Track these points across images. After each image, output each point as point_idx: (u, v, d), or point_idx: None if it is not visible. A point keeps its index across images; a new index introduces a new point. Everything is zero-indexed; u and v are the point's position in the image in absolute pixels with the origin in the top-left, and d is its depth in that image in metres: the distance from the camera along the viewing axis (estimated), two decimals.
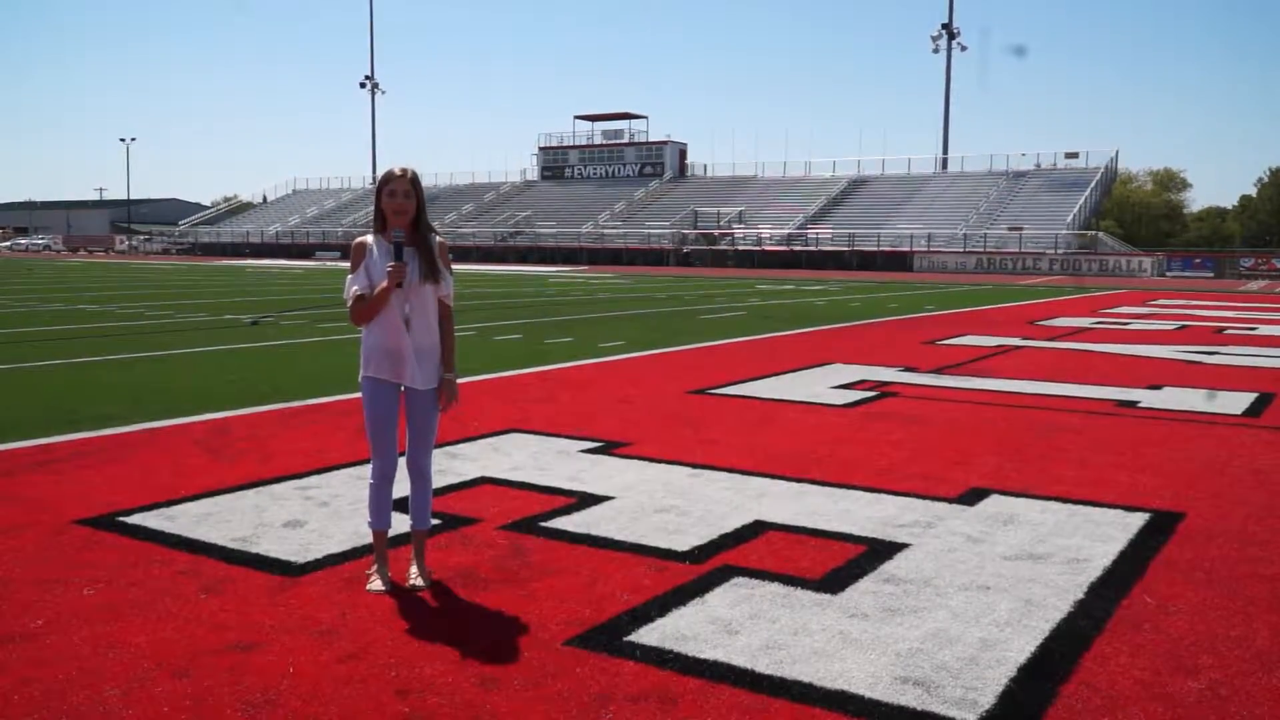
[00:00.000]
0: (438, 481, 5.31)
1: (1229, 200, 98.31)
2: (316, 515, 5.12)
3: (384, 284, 3.97)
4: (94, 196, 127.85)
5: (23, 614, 3.78)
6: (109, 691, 3.15)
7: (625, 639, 3.62)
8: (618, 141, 78.39)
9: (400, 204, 3.99)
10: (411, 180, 4.03)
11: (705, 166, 76.35)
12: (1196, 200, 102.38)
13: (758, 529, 4.98)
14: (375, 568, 4.19)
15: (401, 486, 4.27)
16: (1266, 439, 7.53)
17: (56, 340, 14.07)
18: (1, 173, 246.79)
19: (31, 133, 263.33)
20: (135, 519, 5.02)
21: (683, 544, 4.72)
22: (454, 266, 4.31)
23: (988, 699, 3.19)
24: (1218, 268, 48.28)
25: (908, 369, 11.28)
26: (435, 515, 4.77)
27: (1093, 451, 6.94)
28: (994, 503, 5.55)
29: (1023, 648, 3.58)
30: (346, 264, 4.16)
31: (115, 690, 3.16)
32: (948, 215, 58.72)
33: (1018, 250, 51.86)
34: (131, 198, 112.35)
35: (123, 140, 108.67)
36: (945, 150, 68.36)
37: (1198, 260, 49.95)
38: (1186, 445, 7.23)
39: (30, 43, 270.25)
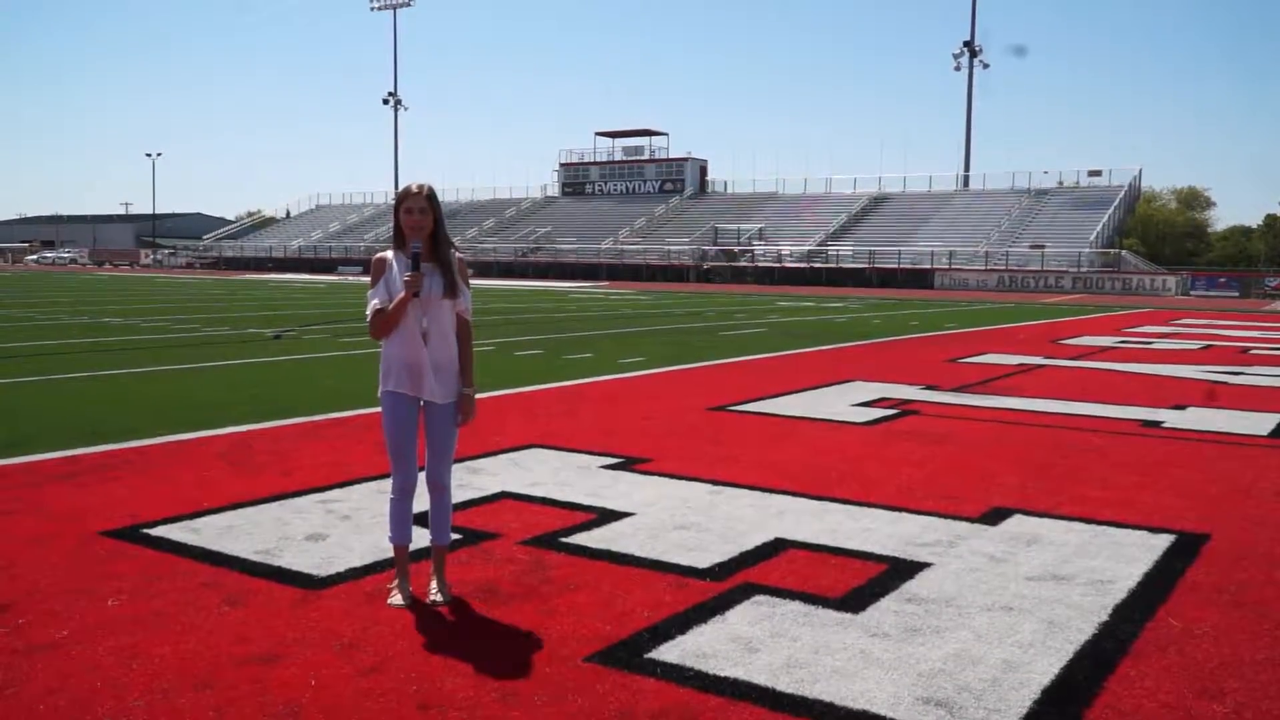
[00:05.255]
0: (458, 496, 5.32)
1: (1254, 219, 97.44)
2: (338, 529, 5.14)
3: (401, 295, 4.00)
4: (120, 211, 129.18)
5: (48, 624, 3.82)
6: (133, 703, 3.17)
7: (646, 656, 3.61)
8: (638, 158, 78.58)
9: (417, 220, 4.02)
10: (428, 196, 4.06)
11: (726, 183, 76.44)
12: (1221, 219, 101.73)
13: (778, 547, 4.97)
14: (396, 582, 4.20)
15: (422, 501, 4.28)
16: None
17: (81, 353, 14.20)
18: (30, 187, 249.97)
19: (59, 147, 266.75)
20: (159, 531, 5.06)
21: (703, 561, 4.71)
22: (475, 282, 4.35)
23: None
24: (1242, 287, 47.87)
25: (929, 387, 11.24)
26: (455, 530, 4.79)
27: (1117, 472, 6.89)
28: (1017, 523, 5.52)
29: (1046, 669, 3.55)
30: (369, 278, 4.19)
31: (139, 702, 3.18)
32: (969, 233, 58.51)
33: (1040, 268, 51.61)
34: (156, 212, 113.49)
35: (148, 155, 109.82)
36: (967, 167, 68.20)
37: (1222, 279, 49.56)
38: (1212, 466, 7.16)
39: (58, 58, 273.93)
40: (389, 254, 4.14)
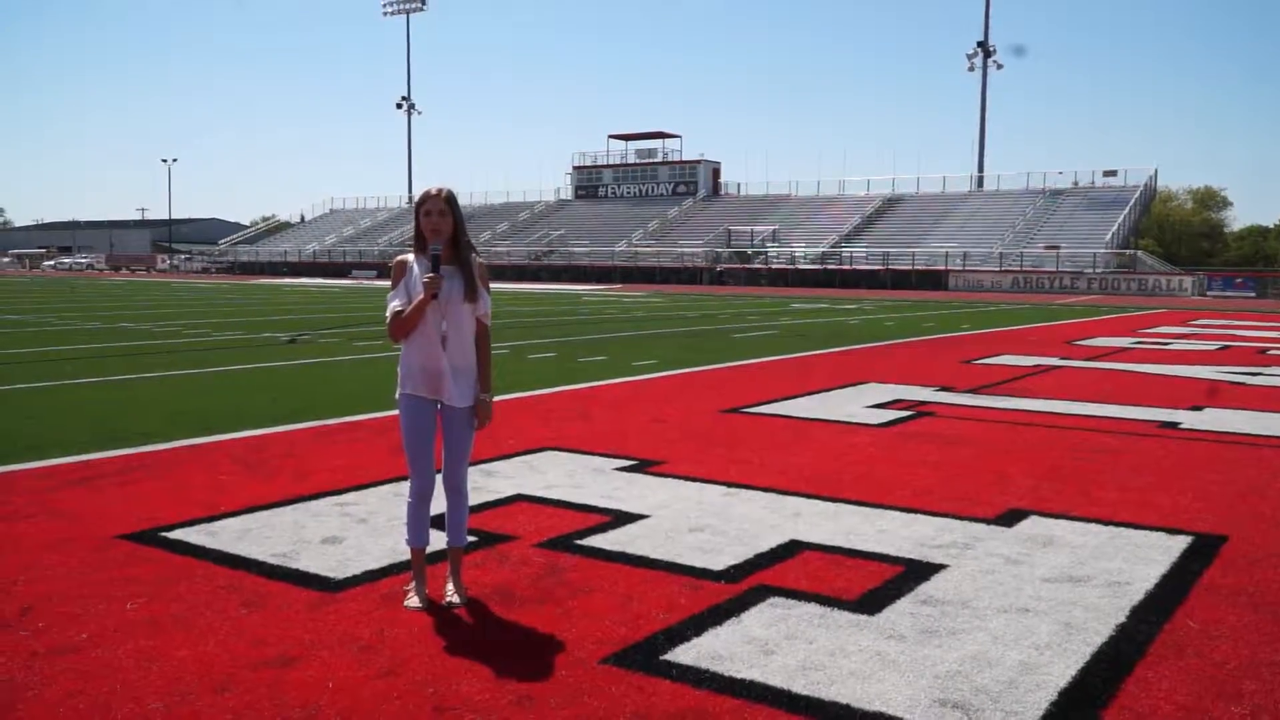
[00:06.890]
0: (474, 499, 5.33)
1: (1270, 219, 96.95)
2: (354, 532, 5.16)
3: (421, 297, 4.02)
4: (136, 216, 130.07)
5: (67, 628, 3.84)
6: (151, 706, 3.19)
7: (661, 658, 3.61)
8: (651, 160, 78.62)
9: (435, 223, 4.05)
10: (447, 199, 4.08)
11: (739, 185, 76.37)
12: (1237, 219, 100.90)
13: (793, 549, 4.97)
14: (413, 584, 4.22)
15: (439, 503, 4.30)
16: None
17: (98, 358, 14.29)
18: (46, 193, 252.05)
19: (75, 154, 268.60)
20: (177, 534, 5.09)
21: (718, 563, 4.71)
22: (489, 285, 4.36)
23: None
24: (1259, 287, 47.54)
25: (944, 388, 11.21)
26: (471, 533, 4.80)
27: (1133, 473, 6.86)
28: (1033, 524, 5.50)
29: (1063, 671, 3.54)
30: (383, 282, 4.22)
31: (158, 705, 3.20)
32: (983, 234, 58.32)
33: (1055, 269, 51.39)
34: (172, 217, 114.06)
35: (164, 161, 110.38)
36: (981, 168, 68.01)
37: (1239, 280, 49.23)
38: (1229, 467, 7.12)
39: (73, 64, 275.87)
40: (409, 257, 4.17)
